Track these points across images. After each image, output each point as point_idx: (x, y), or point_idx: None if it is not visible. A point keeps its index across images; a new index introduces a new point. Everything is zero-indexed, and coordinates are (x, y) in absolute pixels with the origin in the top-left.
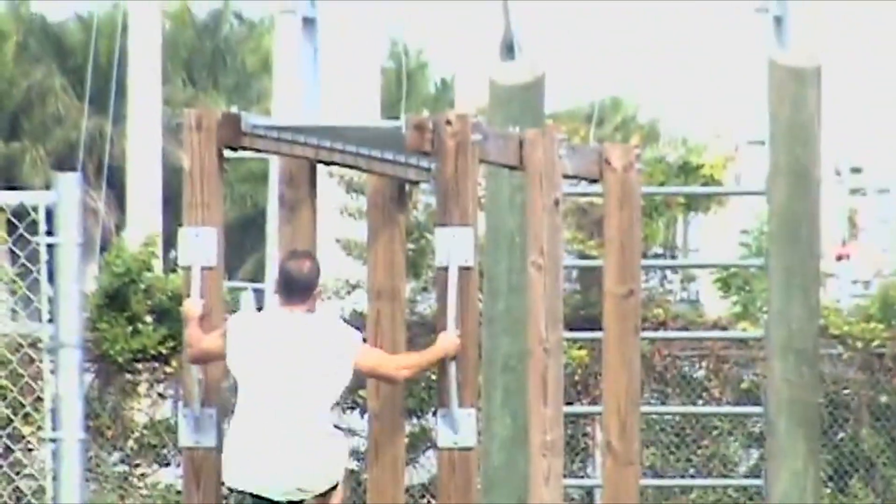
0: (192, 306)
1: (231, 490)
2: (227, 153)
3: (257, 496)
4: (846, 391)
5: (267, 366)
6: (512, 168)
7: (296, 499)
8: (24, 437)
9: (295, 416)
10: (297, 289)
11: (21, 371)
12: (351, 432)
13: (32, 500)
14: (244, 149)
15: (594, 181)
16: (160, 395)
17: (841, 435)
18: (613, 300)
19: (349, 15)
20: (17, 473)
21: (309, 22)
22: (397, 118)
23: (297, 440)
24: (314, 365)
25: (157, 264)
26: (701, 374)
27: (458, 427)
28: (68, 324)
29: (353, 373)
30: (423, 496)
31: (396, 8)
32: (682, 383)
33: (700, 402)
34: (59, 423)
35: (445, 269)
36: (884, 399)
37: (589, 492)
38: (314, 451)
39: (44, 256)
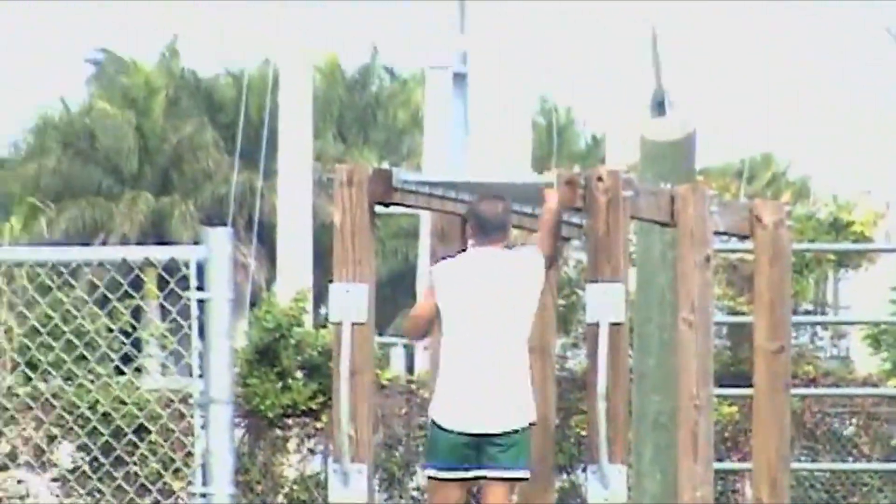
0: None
1: (443, 427)
2: (379, 209)
3: (473, 434)
4: None
5: (475, 305)
6: (663, 224)
7: (509, 429)
8: (174, 492)
9: (505, 351)
10: (492, 228)
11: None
12: None
13: None
14: (395, 204)
15: (745, 237)
16: (310, 450)
17: None
18: (764, 356)
19: (500, 71)
20: None
21: (459, 77)
22: (548, 174)
23: (508, 373)
24: (516, 298)
25: (308, 320)
26: (851, 430)
27: (608, 483)
28: (218, 379)
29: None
30: None
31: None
32: (833, 440)
33: (850, 458)
34: (209, 478)
35: (596, 325)
36: None
37: None
38: (520, 382)
39: (194, 311)
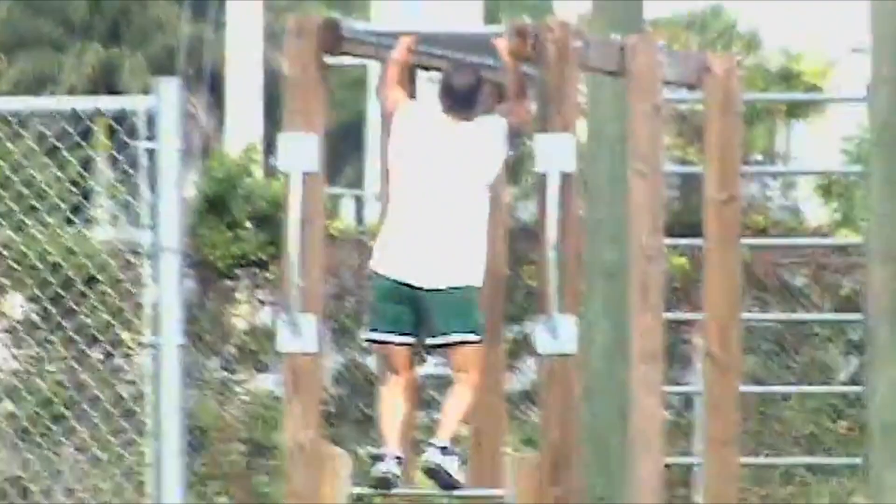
0: (404, 50)
1: (384, 277)
2: (328, 59)
3: (409, 285)
4: None
5: (428, 172)
6: (613, 74)
7: (442, 286)
8: (123, 342)
9: (454, 220)
10: (457, 102)
11: (121, 277)
12: None
13: (133, 406)
14: (344, 54)
15: (694, 88)
16: (260, 300)
17: None
18: (714, 207)
19: None
20: (118, 379)
21: None
22: (499, 23)
23: (455, 238)
24: (470, 174)
25: (258, 170)
26: (801, 281)
27: (558, 334)
28: (168, 229)
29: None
30: (523, 403)
31: None
32: (783, 291)
33: (800, 309)
34: (158, 329)
35: (545, 175)
36: None
37: (688, 399)
38: (467, 248)
39: (144, 162)
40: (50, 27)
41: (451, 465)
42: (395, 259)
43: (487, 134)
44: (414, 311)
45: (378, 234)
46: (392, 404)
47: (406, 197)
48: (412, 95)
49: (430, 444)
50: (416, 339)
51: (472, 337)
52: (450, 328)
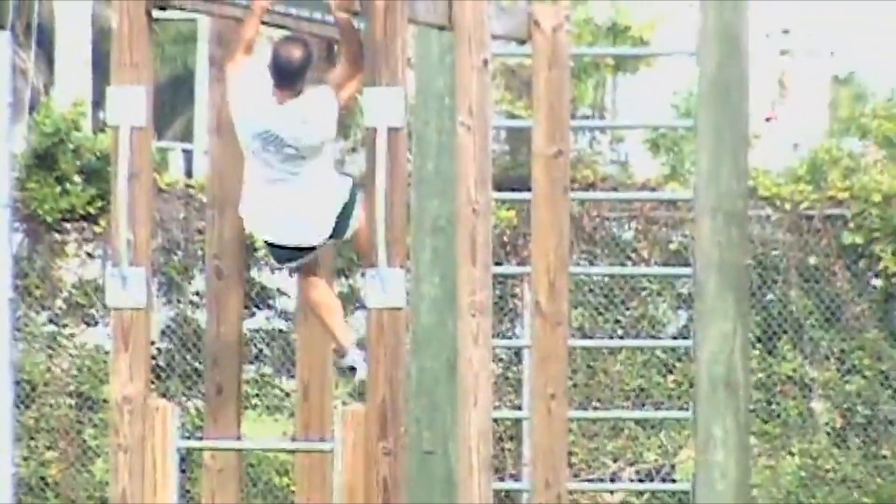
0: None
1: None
2: (156, 13)
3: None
4: (775, 253)
5: (260, 138)
6: (441, 28)
7: (292, 243)
8: None
9: (291, 179)
10: (284, 76)
11: None
12: (279, 292)
13: None
14: (173, 8)
15: (523, 42)
16: (89, 254)
17: (769, 296)
18: (542, 161)
19: None
20: None
21: None
22: None
23: (299, 198)
24: (302, 138)
25: (86, 124)
26: (630, 235)
27: (386, 287)
28: None
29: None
30: None
31: None
32: (611, 244)
33: (629, 263)
34: None
35: (374, 129)
36: (812, 261)
37: (517, 352)
38: (307, 205)
39: None
40: None
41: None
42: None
43: (315, 110)
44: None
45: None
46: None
47: (250, 164)
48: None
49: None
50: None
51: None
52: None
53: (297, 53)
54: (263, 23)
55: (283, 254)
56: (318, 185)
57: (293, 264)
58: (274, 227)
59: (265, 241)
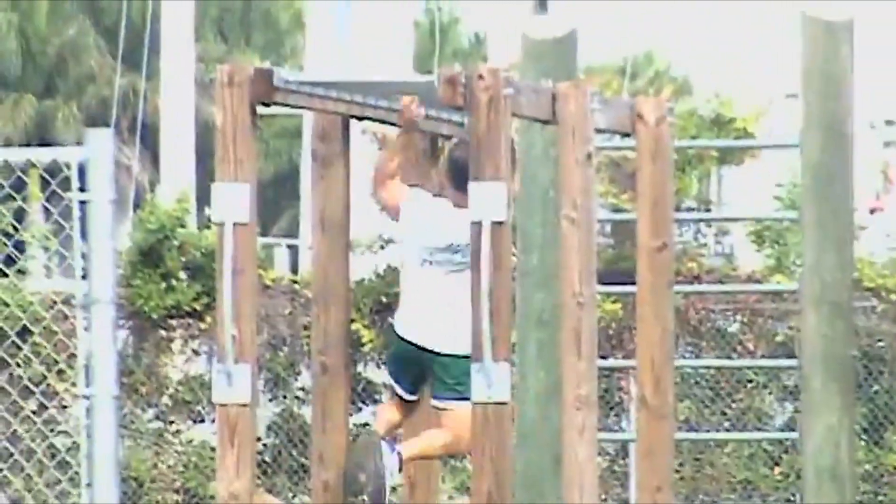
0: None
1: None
2: (261, 109)
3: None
4: (880, 343)
5: (449, 250)
6: (545, 122)
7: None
8: (57, 393)
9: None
10: (465, 178)
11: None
12: (385, 387)
13: (67, 457)
14: (276, 104)
15: (627, 135)
16: (194, 351)
17: (875, 388)
18: (646, 254)
19: None
20: (52, 430)
21: None
22: (430, 73)
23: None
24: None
25: (191, 221)
26: (735, 327)
27: (491, 381)
28: (101, 280)
29: None
30: None
31: None
32: (717, 337)
33: (734, 355)
34: (92, 380)
35: (479, 223)
36: None
37: (623, 445)
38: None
39: (77, 213)
40: None
41: (390, 459)
42: (404, 321)
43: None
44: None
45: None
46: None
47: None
48: (345, 146)
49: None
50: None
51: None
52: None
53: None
54: (397, 125)
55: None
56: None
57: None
58: (429, 334)
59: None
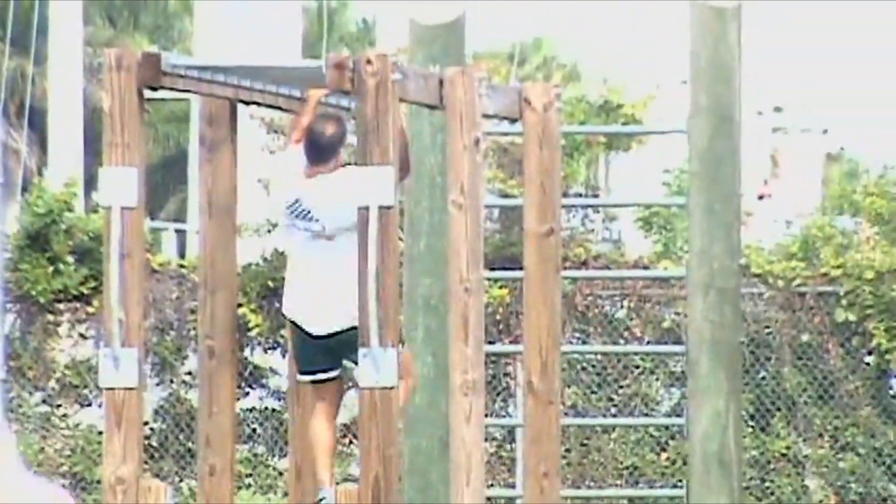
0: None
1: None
2: (149, 93)
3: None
4: (768, 330)
5: (301, 224)
6: (432, 107)
7: (324, 332)
8: None
9: (326, 265)
10: (316, 149)
11: None
12: (272, 371)
13: None
14: (164, 88)
15: (515, 121)
16: (82, 335)
17: (763, 374)
18: (534, 239)
19: None
20: None
21: None
22: (318, 58)
23: (328, 282)
24: (335, 219)
25: (79, 205)
26: (622, 313)
27: (379, 366)
28: None
29: None
30: (344, 436)
31: None
32: (604, 322)
33: (622, 341)
34: None
35: (366, 208)
36: (805, 338)
37: (510, 431)
38: (343, 294)
39: None
40: None
41: None
42: (293, 305)
43: (349, 190)
44: (318, 349)
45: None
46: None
47: (291, 248)
48: (233, 131)
49: None
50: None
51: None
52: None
53: (329, 129)
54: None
55: (319, 359)
56: (350, 270)
57: (324, 376)
58: (305, 312)
59: (301, 329)
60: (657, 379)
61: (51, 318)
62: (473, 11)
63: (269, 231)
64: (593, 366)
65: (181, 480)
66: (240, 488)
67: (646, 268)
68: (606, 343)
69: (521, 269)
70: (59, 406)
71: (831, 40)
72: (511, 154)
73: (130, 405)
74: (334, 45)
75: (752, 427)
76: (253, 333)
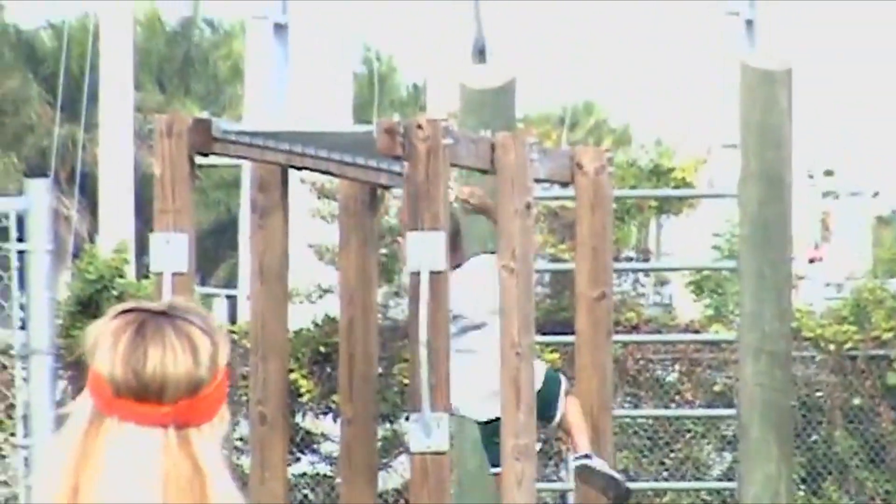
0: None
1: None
2: (199, 159)
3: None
4: (819, 393)
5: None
6: (484, 172)
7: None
8: None
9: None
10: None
11: None
12: (324, 437)
13: None
14: (215, 154)
15: (566, 185)
16: None
17: (814, 437)
18: (585, 303)
19: (320, 20)
20: None
21: (280, 27)
22: (369, 123)
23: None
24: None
25: (130, 270)
26: (674, 377)
27: (430, 431)
28: (39, 330)
29: None
30: (396, 501)
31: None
32: (655, 386)
33: (673, 405)
34: (30, 430)
35: (417, 273)
36: (856, 401)
37: (562, 495)
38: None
39: (15, 263)
40: None
41: (604, 465)
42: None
43: (475, 282)
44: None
45: None
46: None
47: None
48: (284, 196)
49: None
50: None
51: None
52: None
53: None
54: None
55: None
56: (493, 359)
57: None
58: (463, 401)
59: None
60: (708, 443)
61: None
62: (524, 75)
63: (319, 297)
64: (645, 430)
65: None
66: None
67: (697, 331)
68: (658, 407)
69: (572, 333)
70: None
71: (883, 103)
72: (562, 218)
73: None
74: (385, 109)
75: (804, 491)
76: (304, 399)
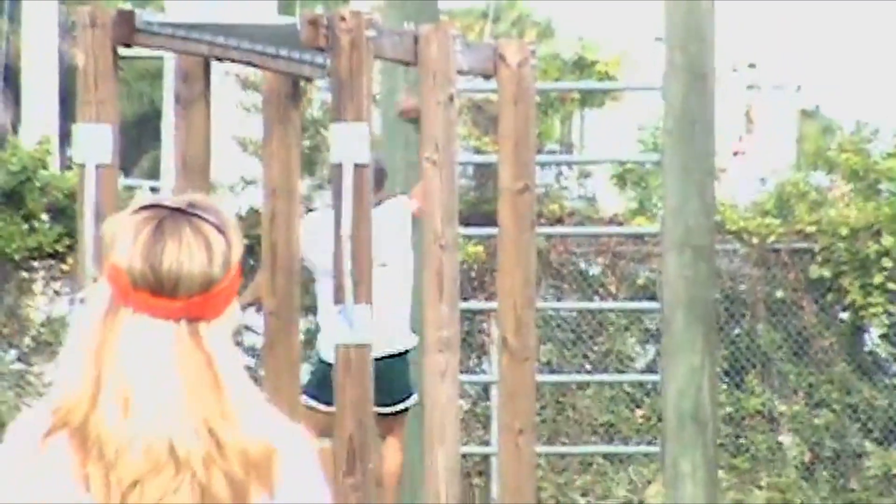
0: None
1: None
2: (122, 51)
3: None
4: (742, 287)
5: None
6: (406, 64)
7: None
8: None
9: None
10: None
11: None
12: (247, 329)
13: None
14: (139, 46)
15: (489, 78)
16: (56, 292)
17: (737, 330)
18: (508, 196)
19: None
20: None
21: None
22: (293, 15)
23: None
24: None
25: (53, 162)
26: (597, 270)
27: (353, 323)
28: None
29: None
30: None
31: None
32: (579, 279)
33: (596, 298)
34: None
35: (340, 165)
36: (780, 294)
37: (485, 388)
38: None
39: None
40: None
41: None
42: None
43: (393, 218)
44: None
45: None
46: None
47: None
48: (207, 88)
49: None
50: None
51: (413, 401)
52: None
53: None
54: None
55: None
56: (402, 293)
57: (398, 408)
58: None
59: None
60: (632, 336)
61: (25, 275)
62: None
63: (243, 189)
64: (568, 323)
65: None
66: None
67: (620, 224)
68: (581, 300)
69: (495, 225)
70: (34, 364)
71: None
72: (485, 111)
73: None
74: (308, 3)
75: (727, 384)
76: None
